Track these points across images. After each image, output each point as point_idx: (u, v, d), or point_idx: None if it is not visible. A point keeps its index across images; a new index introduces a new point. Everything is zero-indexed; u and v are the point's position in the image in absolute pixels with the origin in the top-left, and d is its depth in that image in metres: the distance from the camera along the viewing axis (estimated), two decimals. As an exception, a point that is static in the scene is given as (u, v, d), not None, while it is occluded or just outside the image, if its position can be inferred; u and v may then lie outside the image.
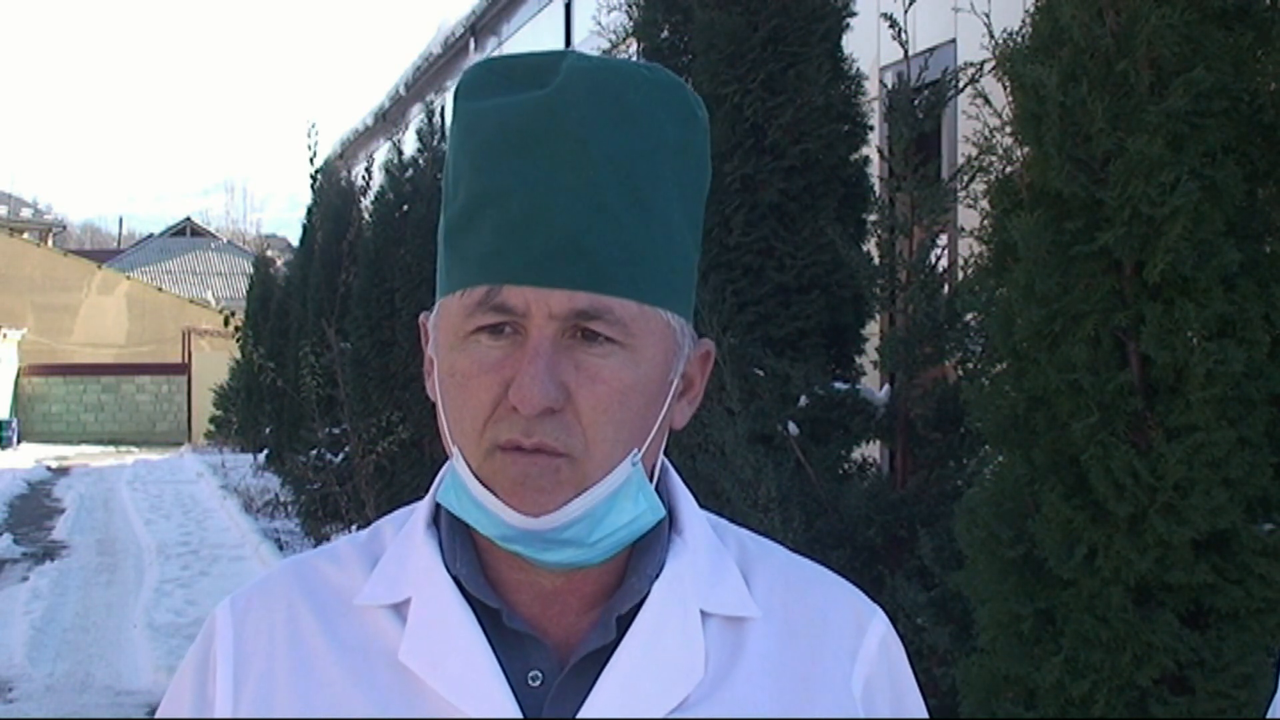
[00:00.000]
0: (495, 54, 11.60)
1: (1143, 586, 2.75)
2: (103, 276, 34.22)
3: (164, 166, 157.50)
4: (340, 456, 10.82)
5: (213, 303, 33.86)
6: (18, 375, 29.48)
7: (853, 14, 4.80)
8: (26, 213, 43.41)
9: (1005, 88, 2.95)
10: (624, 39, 5.78)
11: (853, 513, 4.28)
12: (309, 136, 11.18)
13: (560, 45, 12.16)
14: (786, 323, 4.58)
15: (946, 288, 4.44)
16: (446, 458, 1.03)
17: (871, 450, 5.21)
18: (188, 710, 1.06)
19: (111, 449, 27.05)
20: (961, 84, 4.39)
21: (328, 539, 9.32)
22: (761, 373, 4.47)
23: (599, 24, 6.56)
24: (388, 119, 18.66)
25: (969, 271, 3.28)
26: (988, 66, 3.48)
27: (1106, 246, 2.71)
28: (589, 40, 9.40)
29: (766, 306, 4.59)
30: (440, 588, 1.02)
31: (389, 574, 1.05)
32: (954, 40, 6.03)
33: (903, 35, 4.33)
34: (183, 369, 29.64)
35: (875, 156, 4.84)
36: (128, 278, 35.16)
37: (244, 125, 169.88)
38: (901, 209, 4.50)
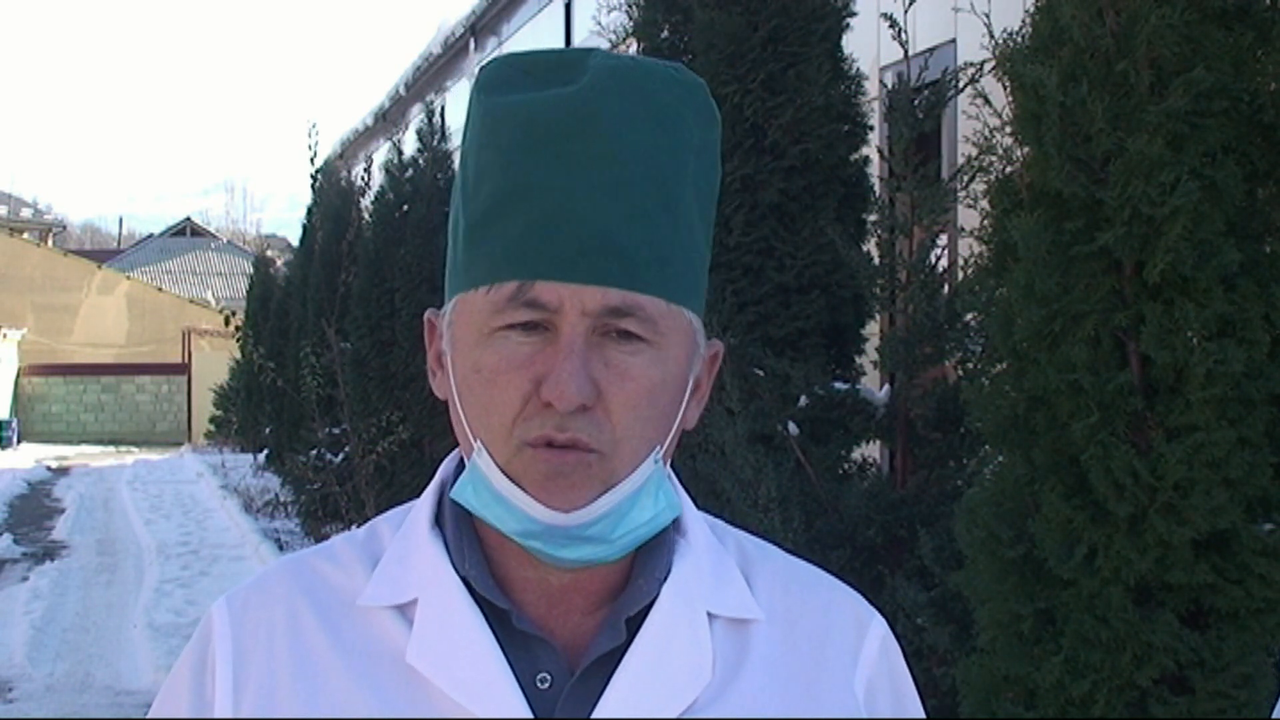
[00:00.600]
0: (495, 54, 11.60)
1: (1143, 586, 2.75)
2: (103, 276, 34.22)
3: (164, 166, 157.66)
4: (340, 456, 10.81)
5: (213, 303, 33.86)
6: (18, 375, 29.49)
7: (853, 14, 4.80)
8: (26, 213, 43.42)
9: (1005, 88, 2.95)
10: (624, 39, 5.78)
11: (853, 513, 4.28)
12: (309, 136, 11.17)
13: (560, 45, 12.15)
14: (786, 323, 4.58)
15: (946, 288, 4.44)
16: (445, 458, 1.03)
17: (871, 450, 5.21)
18: (185, 711, 1.04)
19: (111, 449, 27.05)
20: (961, 84, 4.38)
21: (328, 539, 9.29)
22: (761, 373, 4.47)
23: (599, 24, 6.56)
24: (388, 119, 18.66)
25: (969, 271, 3.28)
26: (988, 66, 3.49)
27: (1106, 246, 2.71)
28: (589, 40, 9.40)
29: (766, 306, 4.59)
30: (448, 588, 1.01)
31: (392, 574, 1.04)
32: (954, 40, 6.03)
33: (903, 35, 4.33)
34: (183, 369, 29.64)
35: (875, 156, 4.84)
36: (128, 278, 35.16)
37: (244, 125, 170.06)
38: (901, 209, 4.50)
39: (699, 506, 1.10)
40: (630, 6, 5.40)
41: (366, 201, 11.59)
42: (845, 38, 4.80)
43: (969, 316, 4.12)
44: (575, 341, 0.95)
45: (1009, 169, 3.01)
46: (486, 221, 0.98)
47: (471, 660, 0.98)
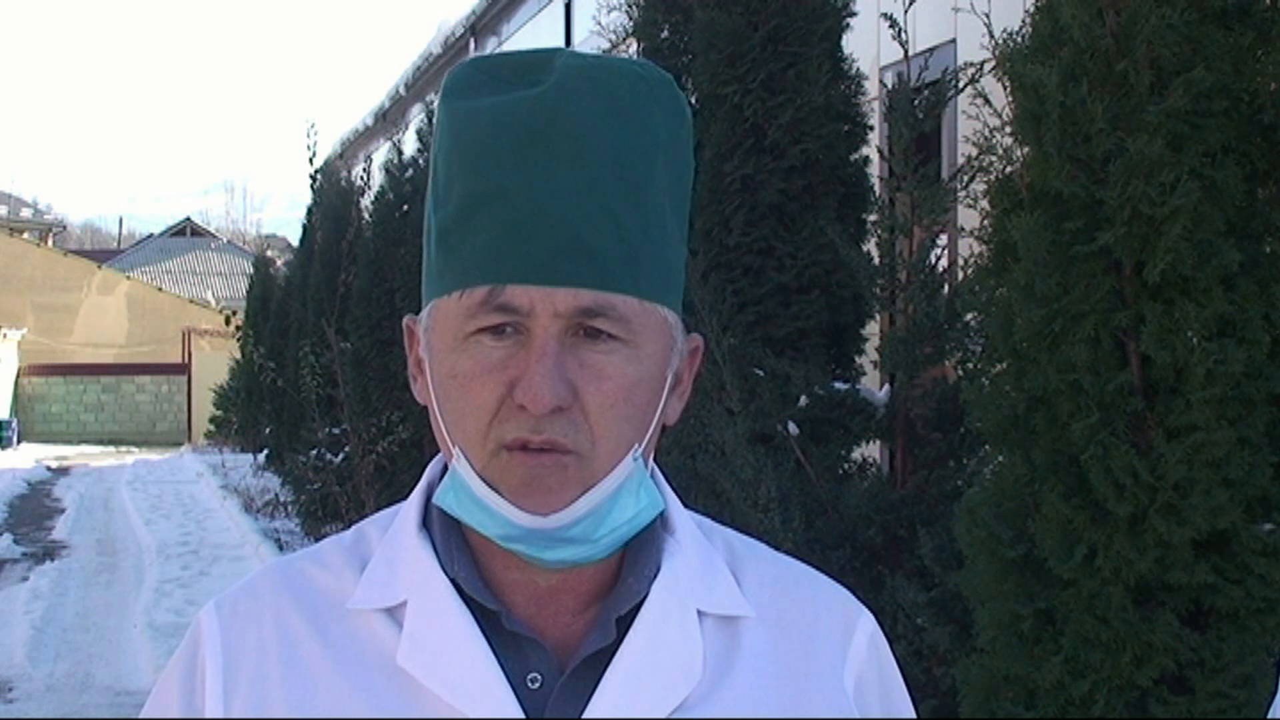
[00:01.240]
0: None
1: (1143, 586, 2.75)
2: (103, 276, 34.22)
3: (164, 166, 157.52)
4: (340, 456, 10.81)
5: (213, 303, 33.85)
6: (18, 375, 29.49)
7: (853, 14, 4.80)
8: (26, 213, 43.41)
9: (1005, 88, 2.95)
10: (624, 39, 5.78)
11: (853, 513, 4.28)
12: (309, 136, 11.18)
13: (560, 45, 12.14)
14: (786, 323, 4.58)
15: (946, 288, 4.44)
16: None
17: (871, 450, 5.22)
18: (175, 716, 1.04)
19: (111, 449, 27.05)
20: (961, 84, 4.38)
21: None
22: (761, 373, 4.47)
23: (599, 24, 6.56)
24: (388, 119, 18.67)
25: (969, 271, 3.28)
26: (988, 66, 3.49)
27: (1106, 246, 2.71)
28: (589, 40, 9.40)
29: (766, 306, 4.59)
30: (438, 590, 1.01)
31: (380, 577, 1.04)
32: (954, 40, 6.03)
33: (903, 35, 4.33)
34: (183, 369, 29.63)
35: (875, 156, 4.84)
36: (128, 278, 35.16)
37: (244, 125, 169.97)
38: (901, 209, 4.50)
39: (700, 507, 1.10)
40: (630, 6, 5.41)
41: (366, 201, 11.60)
42: (845, 38, 4.80)
43: (969, 316, 4.12)
44: (548, 344, 0.95)
45: (1009, 169, 3.01)
46: (457, 226, 0.98)
47: (462, 661, 0.98)
